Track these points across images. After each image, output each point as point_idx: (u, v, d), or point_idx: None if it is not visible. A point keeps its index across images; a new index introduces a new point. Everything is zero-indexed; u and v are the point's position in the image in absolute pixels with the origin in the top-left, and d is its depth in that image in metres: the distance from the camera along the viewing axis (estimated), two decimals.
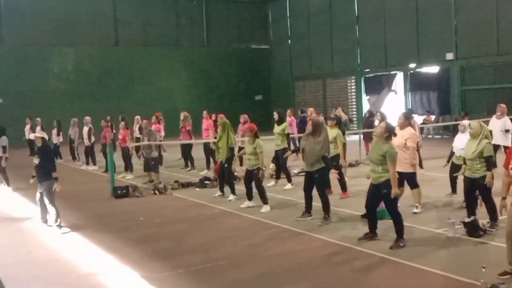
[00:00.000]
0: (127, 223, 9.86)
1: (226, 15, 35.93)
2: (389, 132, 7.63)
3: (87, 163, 18.42)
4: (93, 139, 18.12)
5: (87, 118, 18.62)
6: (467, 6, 24.34)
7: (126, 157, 15.78)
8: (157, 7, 33.56)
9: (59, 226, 9.39)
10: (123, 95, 31.43)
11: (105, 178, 14.50)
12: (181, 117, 17.08)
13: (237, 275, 6.64)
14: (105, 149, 15.37)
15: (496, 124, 12.21)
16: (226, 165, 11.50)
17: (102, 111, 23.01)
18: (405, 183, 9.23)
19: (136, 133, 18.11)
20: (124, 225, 9.70)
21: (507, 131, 12.32)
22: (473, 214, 8.05)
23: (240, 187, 11.46)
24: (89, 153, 18.26)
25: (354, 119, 30.17)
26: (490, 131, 8.53)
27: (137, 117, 18.87)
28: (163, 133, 19.43)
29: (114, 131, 18.08)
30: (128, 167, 15.90)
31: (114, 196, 12.43)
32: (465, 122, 10.07)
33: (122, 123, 16.49)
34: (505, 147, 11.64)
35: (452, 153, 10.07)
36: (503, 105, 12.49)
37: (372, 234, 7.80)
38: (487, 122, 10.72)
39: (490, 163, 7.97)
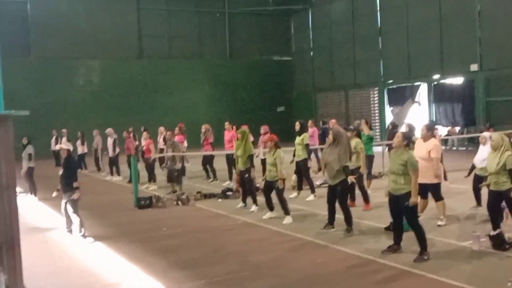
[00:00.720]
0: (150, 233, 9.93)
1: (248, 28, 36.15)
2: (407, 140, 7.61)
3: (111, 174, 18.64)
4: (117, 150, 18.34)
5: (110, 129, 18.86)
6: (491, 16, 24.10)
7: (150, 168, 15.93)
8: (181, 20, 33.96)
9: (84, 236, 9.53)
10: (146, 107, 31.74)
11: (129, 189, 14.65)
12: (203, 130, 17.22)
13: (259, 286, 6.64)
14: (130, 159, 15.56)
15: None
16: (246, 175, 11.52)
17: (126, 122, 23.25)
18: (429, 195, 9.14)
19: (161, 145, 18.26)
20: (147, 235, 9.78)
21: None
22: (498, 227, 7.94)
23: (262, 198, 11.48)
24: (113, 163, 18.49)
25: (377, 131, 30.00)
26: None
27: (161, 128, 19.04)
28: (186, 144, 19.63)
29: (137, 142, 18.34)
30: (152, 177, 16.06)
31: (137, 206, 12.55)
32: (486, 134, 9.98)
33: (145, 133, 16.70)
34: None
35: (473, 167, 9.97)
36: None
37: (396, 247, 7.72)
38: (510, 134, 10.58)
39: None
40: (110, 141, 18.52)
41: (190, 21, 34.35)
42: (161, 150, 17.18)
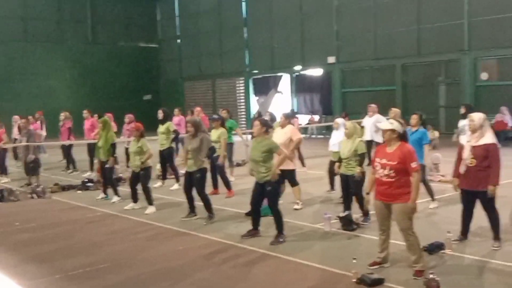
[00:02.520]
0: (1, 228, 9.28)
1: (112, 12, 34.91)
2: (265, 126, 7.86)
3: None
4: None
5: None
6: (347, 13, 25.71)
7: (1, 159, 14.83)
8: (37, 1, 31.84)
9: None
10: (1, 94, 29.46)
11: None
12: (61, 117, 16.41)
13: (117, 278, 6.50)
14: None
15: (368, 122, 13.14)
16: (107, 165, 11.16)
17: None
18: (286, 181, 9.57)
19: (15, 135, 17.12)
20: None
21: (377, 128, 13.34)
22: (348, 209, 8.54)
23: (126, 189, 11.24)
24: None
25: (243, 120, 30.68)
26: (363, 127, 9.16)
27: (16, 117, 17.84)
28: (44, 134, 18.57)
29: None
30: (2, 170, 14.94)
31: None
32: (339, 120, 10.70)
33: None
34: (377, 143, 12.49)
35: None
36: (373, 105, 13.59)
37: (254, 231, 7.99)
38: (359, 123, 11.51)
39: (362, 159, 8.50)
40: None
41: (48, 2, 32.33)
42: (16, 141, 16.08)
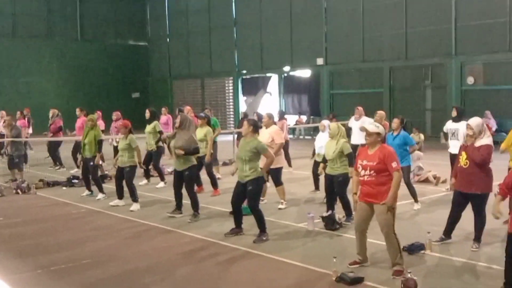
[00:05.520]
0: None
1: (102, 9, 34.69)
2: (253, 126, 7.92)
3: None
4: None
5: None
6: (336, 15, 25.83)
7: None
8: None
9: None
10: None
11: None
12: (50, 115, 16.35)
13: (99, 274, 6.52)
14: None
15: (354, 124, 13.16)
16: (91, 163, 11.14)
17: None
18: (270, 180, 9.63)
19: (0, 129, 17.03)
20: None
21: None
22: (332, 209, 8.61)
23: (111, 186, 11.23)
24: None
25: (231, 119, 30.73)
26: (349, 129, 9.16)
27: (2, 112, 17.74)
28: (30, 131, 18.51)
29: None
30: None
31: None
32: (325, 122, 10.77)
33: None
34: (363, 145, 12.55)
35: (314, 151, 10.72)
36: (360, 108, 13.57)
37: (238, 229, 8.03)
38: (345, 124, 11.54)
39: (351, 159, 8.51)
40: None
41: None
42: (2, 136, 16.00)
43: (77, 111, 15.97)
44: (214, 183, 11.40)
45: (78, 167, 15.10)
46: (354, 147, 11.42)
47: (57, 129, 16.11)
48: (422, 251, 6.93)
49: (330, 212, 8.44)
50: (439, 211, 9.15)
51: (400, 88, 24.23)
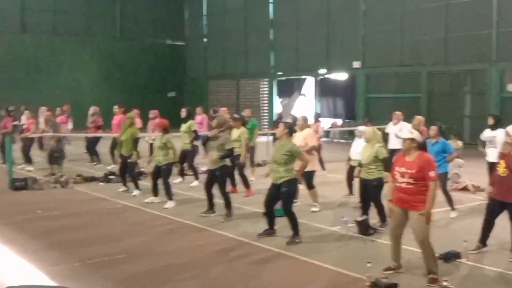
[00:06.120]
0: (24, 215, 9.52)
1: (141, 8, 35.23)
2: (288, 129, 7.94)
3: None
4: None
5: None
6: (375, 17, 25.58)
7: (26, 149, 15.14)
8: None
9: None
10: (28, 85, 29.98)
11: (3, 169, 13.84)
12: (90, 112, 16.65)
13: (133, 269, 6.64)
14: (4, 139, 14.69)
15: (392, 130, 13.00)
16: (129, 160, 11.33)
17: (5, 101, 21.85)
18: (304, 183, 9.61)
19: (42, 125, 17.43)
20: (21, 217, 9.36)
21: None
22: (366, 214, 8.55)
23: (146, 183, 11.41)
24: None
25: (266, 121, 30.76)
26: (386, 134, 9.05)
27: (42, 108, 18.17)
28: (70, 126, 18.88)
29: (18, 121, 17.32)
30: (28, 159, 15.25)
31: (12, 188, 11.94)
32: (361, 128, 10.65)
33: (27, 112, 15.83)
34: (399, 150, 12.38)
35: (349, 158, 10.64)
36: (398, 113, 13.38)
37: (271, 231, 8.06)
38: (382, 129, 11.38)
39: (386, 164, 8.40)
40: None
41: None
42: (43, 131, 16.38)
43: (115, 108, 16.23)
44: (245, 183, 11.45)
45: (114, 163, 15.42)
46: (391, 152, 11.33)
47: (97, 128, 16.40)
48: (458, 260, 6.82)
49: (364, 217, 8.38)
50: (475, 219, 8.93)
51: (438, 93, 23.82)
